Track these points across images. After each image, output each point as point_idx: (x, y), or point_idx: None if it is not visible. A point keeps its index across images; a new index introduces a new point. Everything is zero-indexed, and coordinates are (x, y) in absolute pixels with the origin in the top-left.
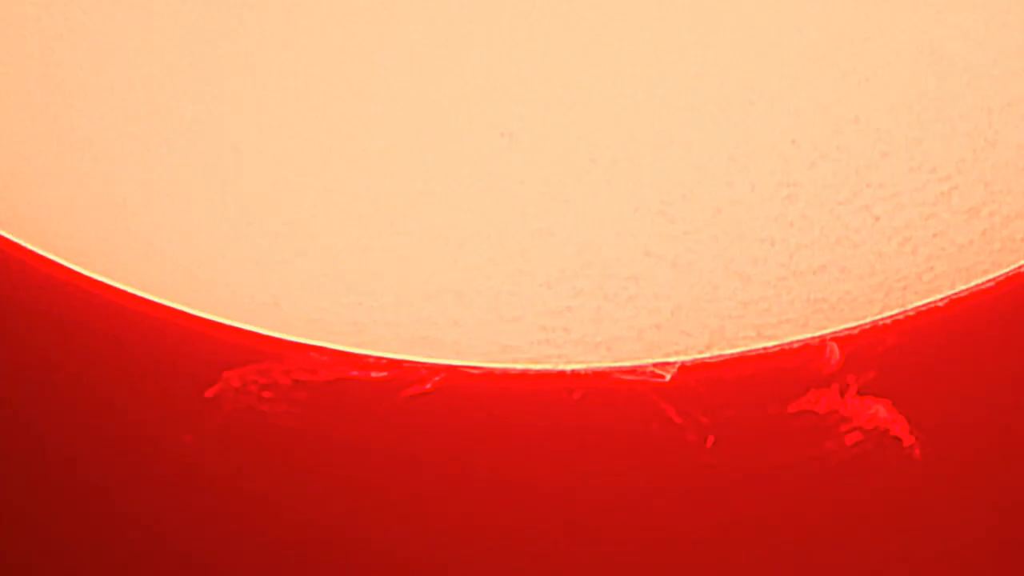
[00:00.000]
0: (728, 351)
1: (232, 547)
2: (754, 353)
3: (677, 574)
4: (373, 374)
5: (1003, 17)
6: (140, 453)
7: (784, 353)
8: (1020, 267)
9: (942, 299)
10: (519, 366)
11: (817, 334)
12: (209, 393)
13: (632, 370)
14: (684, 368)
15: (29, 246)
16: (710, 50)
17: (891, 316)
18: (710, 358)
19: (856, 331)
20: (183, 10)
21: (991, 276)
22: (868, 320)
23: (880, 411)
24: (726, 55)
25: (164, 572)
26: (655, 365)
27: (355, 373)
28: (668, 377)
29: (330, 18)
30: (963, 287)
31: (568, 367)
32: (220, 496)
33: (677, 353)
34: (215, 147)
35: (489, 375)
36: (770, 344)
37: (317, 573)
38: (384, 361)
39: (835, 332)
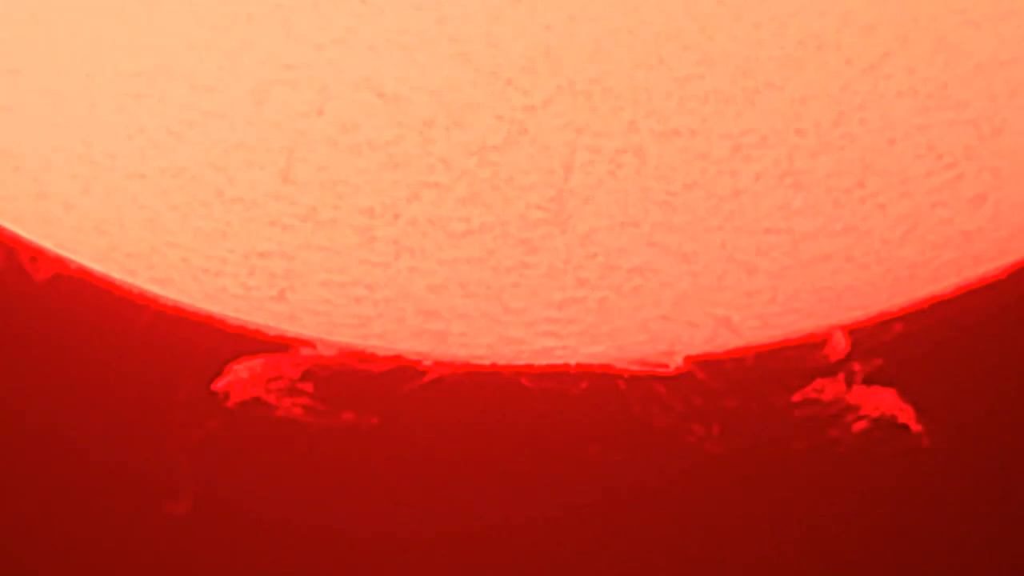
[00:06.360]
0: (734, 341)
1: (237, 539)
2: (760, 343)
3: (683, 565)
4: (378, 367)
5: (1009, 2)
6: (148, 446)
7: (790, 342)
8: None
9: (949, 287)
10: (524, 359)
11: (823, 323)
12: (216, 386)
13: (637, 362)
14: (689, 359)
15: (35, 241)
16: (714, 38)
17: (897, 304)
18: (715, 349)
19: (862, 320)
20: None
21: (998, 264)
22: (874, 309)
23: (887, 399)
24: (730, 43)
25: (170, 565)
26: (660, 356)
27: (360, 366)
28: (673, 369)
29: (328, 11)
30: (970, 275)
31: (573, 360)
32: (226, 488)
33: (683, 344)
34: (217, 143)
35: (493, 368)
36: (776, 334)
37: (321, 564)
38: (389, 354)
39: (841, 321)
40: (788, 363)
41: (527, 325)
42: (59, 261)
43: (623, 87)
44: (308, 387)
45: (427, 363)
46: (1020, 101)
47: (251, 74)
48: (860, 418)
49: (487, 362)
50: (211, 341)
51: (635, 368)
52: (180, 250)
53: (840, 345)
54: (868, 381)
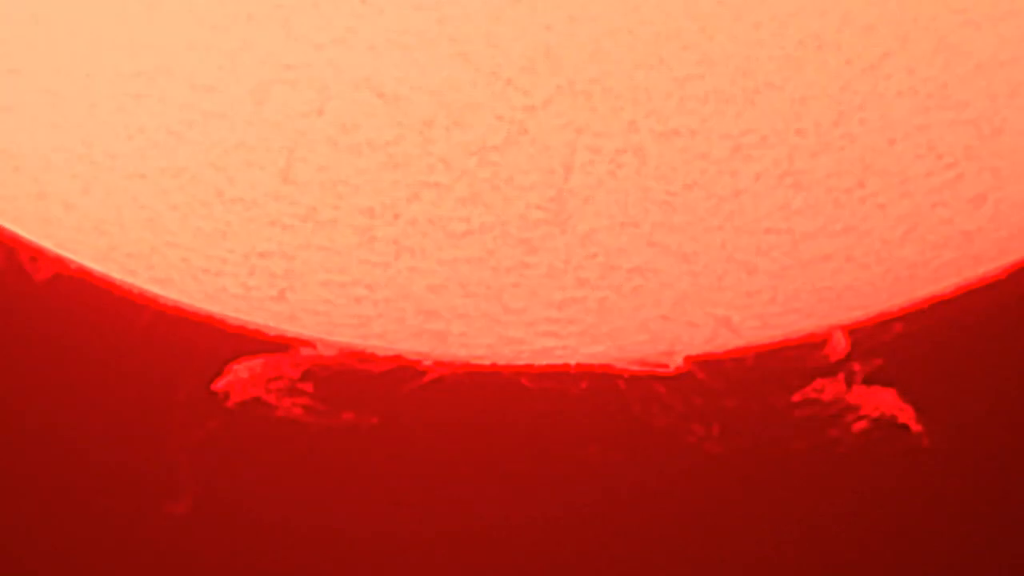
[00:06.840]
0: (734, 341)
1: (237, 539)
2: (760, 343)
3: (683, 565)
4: (378, 367)
5: (1009, 2)
6: (148, 446)
7: (790, 342)
8: None
9: (949, 287)
10: (524, 359)
11: (823, 323)
12: (216, 386)
13: (637, 362)
14: (689, 359)
15: (35, 241)
16: (714, 38)
17: (897, 304)
18: (715, 349)
19: (862, 320)
20: None
21: (998, 264)
22: (874, 309)
23: (887, 399)
24: (730, 43)
25: (170, 565)
26: (660, 356)
27: (360, 366)
28: (673, 369)
29: (328, 11)
30: (970, 275)
31: (573, 360)
32: (226, 488)
33: (683, 344)
34: (217, 143)
35: (493, 368)
36: (776, 334)
37: (321, 564)
38: (389, 354)
39: (841, 321)
40: (788, 363)
41: (527, 325)
42: (59, 261)
43: (623, 87)
44: (308, 387)
45: (427, 363)
46: (1020, 101)
47: (251, 74)
48: (860, 418)
49: (487, 362)
50: (211, 341)
51: (635, 368)
52: (180, 250)
53: (840, 345)
54: (868, 381)
